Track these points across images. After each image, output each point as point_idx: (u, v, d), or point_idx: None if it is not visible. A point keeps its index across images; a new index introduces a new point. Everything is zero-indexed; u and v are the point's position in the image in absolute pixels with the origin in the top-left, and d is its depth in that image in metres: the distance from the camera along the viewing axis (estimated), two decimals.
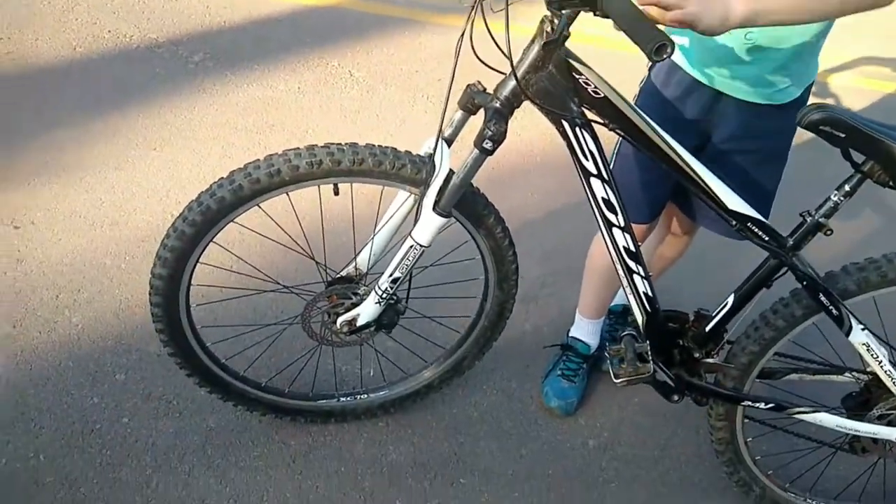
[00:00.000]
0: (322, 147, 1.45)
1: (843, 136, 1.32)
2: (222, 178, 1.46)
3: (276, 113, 2.98)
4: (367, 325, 1.65)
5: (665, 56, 1.09)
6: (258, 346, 2.02)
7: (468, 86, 1.40)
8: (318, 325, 1.69)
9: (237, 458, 1.88)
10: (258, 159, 1.46)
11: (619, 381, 1.61)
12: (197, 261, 1.55)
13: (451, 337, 1.94)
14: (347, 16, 3.77)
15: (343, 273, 1.66)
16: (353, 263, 1.65)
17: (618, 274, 1.54)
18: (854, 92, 3.72)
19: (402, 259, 1.52)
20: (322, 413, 1.96)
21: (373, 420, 2.00)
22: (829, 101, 3.66)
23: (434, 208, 1.44)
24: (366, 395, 1.96)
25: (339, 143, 1.47)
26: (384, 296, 1.59)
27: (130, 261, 2.33)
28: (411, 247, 1.50)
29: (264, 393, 1.88)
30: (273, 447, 1.92)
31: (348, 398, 1.96)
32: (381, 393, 1.96)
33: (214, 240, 1.53)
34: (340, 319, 1.64)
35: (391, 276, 1.55)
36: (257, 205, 1.48)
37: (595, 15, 1.17)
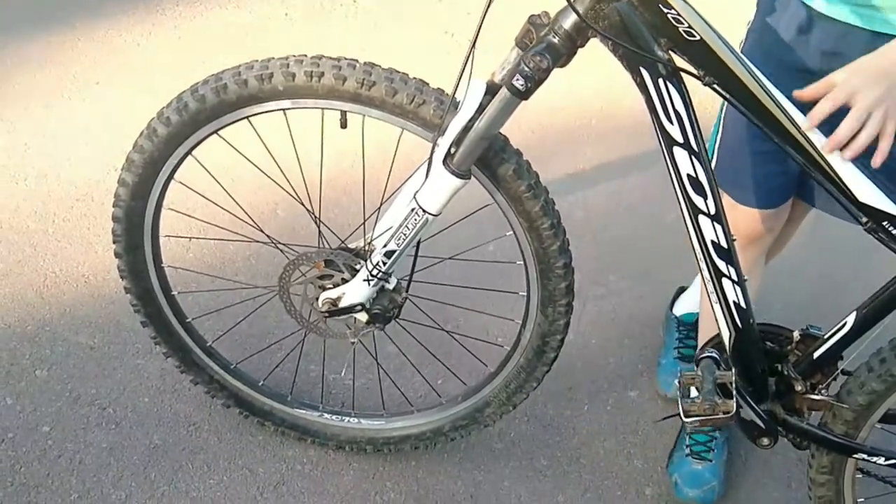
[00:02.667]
0: (329, 58, 1.47)
1: None
2: (209, 75, 1.51)
3: (254, 45, 2.95)
4: (352, 309, 1.62)
5: None
6: (237, 314, 2.01)
7: (531, 16, 1.35)
8: (300, 299, 1.68)
9: (188, 485, 1.87)
10: (254, 61, 1.49)
11: (689, 420, 1.56)
12: (171, 174, 1.59)
13: (477, 369, 1.90)
14: None
15: (350, 244, 1.64)
16: (367, 235, 1.62)
17: (702, 276, 1.50)
18: None
19: (400, 226, 1.49)
20: (298, 426, 1.95)
21: None
22: None
23: (446, 162, 1.41)
24: (355, 420, 1.95)
25: (352, 59, 1.48)
26: (375, 272, 1.56)
27: (61, 225, 2.32)
28: (413, 210, 1.47)
29: (232, 377, 1.89)
30: (235, 474, 1.90)
31: (334, 416, 1.95)
32: (376, 423, 1.95)
33: (194, 153, 1.59)
34: (323, 296, 1.63)
35: (385, 246, 1.52)
36: (246, 118, 1.53)
37: None
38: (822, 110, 1.31)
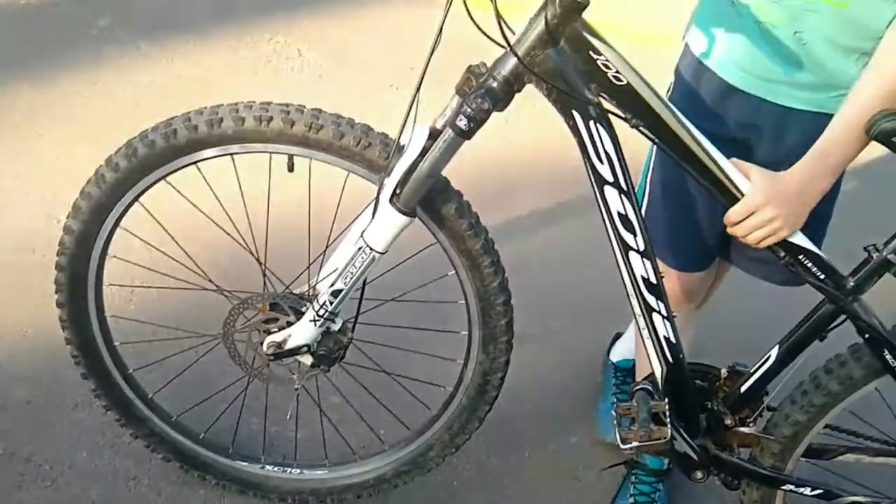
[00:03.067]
0: (277, 104, 1.50)
1: None
2: (159, 122, 1.53)
3: (202, 96, 2.93)
4: (297, 351, 1.63)
5: None
6: (180, 364, 1.99)
7: (470, 66, 1.41)
8: (244, 345, 1.68)
9: None
10: (204, 108, 1.52)
11: (627, 446, 1.61)
12: (117, 221, 1.59)
13: (419, 411, 1.90)
14: None
15: (295, 290, 1.65)
16: (311, 279, 1.63)
17: (633, 312, 1.55)
18: None
19: (347, 265, 1.52)
20: (239, 479, 1.93)
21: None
22: None
23: (392, 201, 1.45)
24: (298, 471, 1.94)
25: (300, 105, 1.51)
26: (321, 313, 1.57)
27: None
28: (360, 249, 1.50)
29: (173, 430, 1.86)
30: None
31: (276, 468, 1.93)
32: (318, 473, 1.94)
33: (140, 200, 1.58)
34: (269, 339, 1.63)
35: (332, 286, 1.54)
36: (195, 163, 1.54)
37: None
38: (737, 215, 1.46)
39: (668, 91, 1.75)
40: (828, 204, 1.72)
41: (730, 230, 1.49)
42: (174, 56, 3.17)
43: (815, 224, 1.68)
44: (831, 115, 1.49)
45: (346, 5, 3.72)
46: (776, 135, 1.64)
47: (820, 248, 1.64)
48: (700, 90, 1.68)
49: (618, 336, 2.40)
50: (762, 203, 1.42)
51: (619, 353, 2.36)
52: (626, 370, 2.31)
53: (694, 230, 1.78)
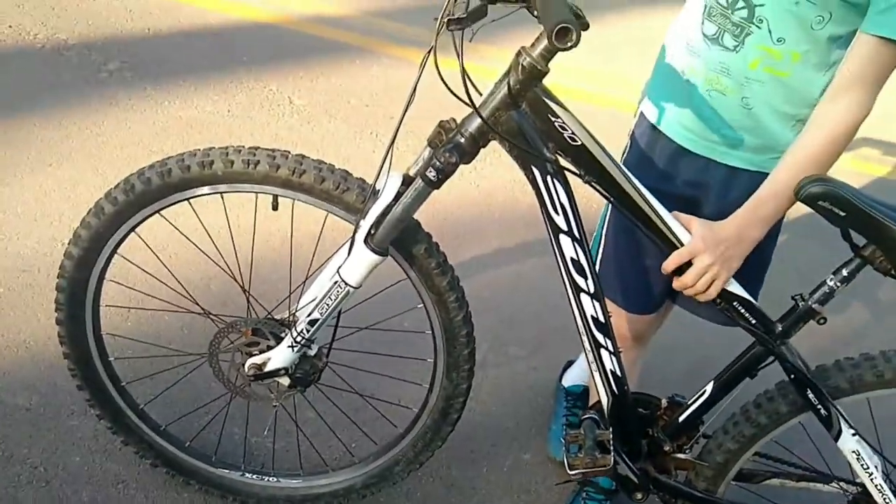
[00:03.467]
0: (264, 149, 1.50)
1: (843, 214, 1.34)
2: (155, 161, 1.52)
3: (199, 137, 2.95)
4: (276, 373, 1.60)
5: (568, 44, 1.13)
6: (169, 379, 1.96)
7: (441, 121, 1.41)
8: (228, 364, 1.65)
9: None
10: (197, 149, 1.51)
11: (573, 472, 1.59)
12: (115, 249, 1.58)
13: (388, 430, 1.89)
14: (292, 37, 3.80)
15: (275, 316, 1.63)
16: (291, 307, 1.61)
17: (583, 347, 1.54)
18: (848, 174, 3.89)
19: (324, 297, 1.50)
20: (220, 485, 1.89)
21: None
22: None
23: (367, 241, 1.44)
24: (275, 479, 1.90)
25: (285, 150, 1.50)
26: (299, 339, 1.55)
27: (5, 294, 2.24)
28: (336, 283, 1.48)
29: (161, 438, 1.83)
30: None
31: (254, 476, 1.90)
32: (293, 482, 1.90)
33: (137, 230, 1.57)
34: (250, 361, 1.61)
35: (309, 315, 1.52)
36: (187, 199, 1.53)
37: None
38: (672, 262, 1.46)
39: (623, 153, 1.76)
40: (767, 253, 1.74)
41: (676, 285, 1.48)
42: (176, 99, 3.14)
43: (756, 271, 1.69)
44: (763, 172, 1.52)
45: (334, 60, 3.72)
46: (722, 192, 1.65)
47: (759, 294, 1.65)
48: (654, 153, 1.68)
49: (569, 363, 2.38)
50: (701, 249, 1.42)
51: (570, 378, 2.34)
52: (576, 394, 2.29)
53: (645, 275, 1.77)
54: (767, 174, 1.48)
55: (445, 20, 1.25)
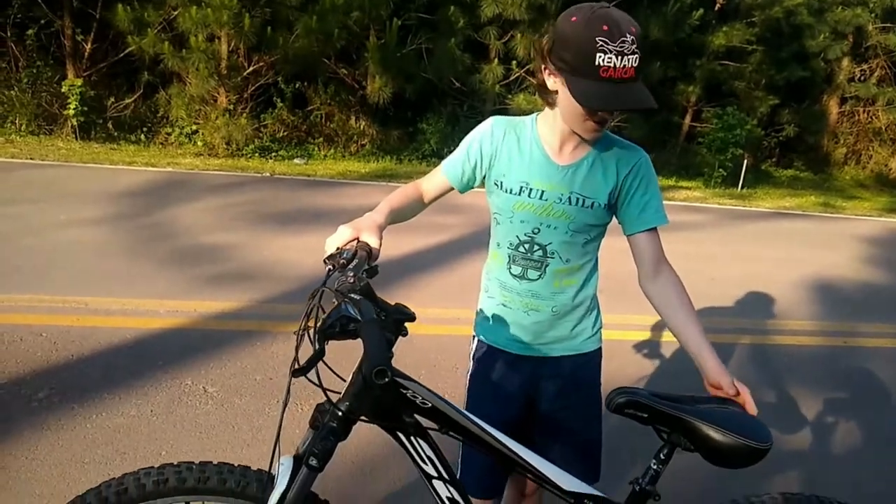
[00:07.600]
0: (171, 466, 1.50)
1: (645, 415, 1.51)
2: (77, 496, 1.48)
3: (127, 440, 2.88)
4: None
5: (383, 380, 1.24)
6: None
7: (317, 405, 1.48)
8: None
9: None
10: (112, 478, 1.49)
11: None
12: None
13: None
14: (199, 335, 3.87)
15: None
16: None
17: None
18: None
19: None
20: None
21: None
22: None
23: None
24: None
25: (191, 462, 1.51)
26: None
27: None
28: None
29: None
30: None
31: None
32: None
33: None
34: None
35: None
36: None
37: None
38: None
39: (467, 372, 1.90)
40: (599, 434, 1.90)
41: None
42: (102, 411, 3.09)
43: (594, 454, 1.86)
44: (579, 353, 1.84)
45: (237, 346, 3.81)
46: (553, 376, 1.85)
47: (599, 473, 1.84)
48: (494, 366, 1.85)
49: None
50: (729, 382, 1.62)
51: None
52: None
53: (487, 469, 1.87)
54: (579, 354, 1.82)
55: (291, 371, 1.32)
